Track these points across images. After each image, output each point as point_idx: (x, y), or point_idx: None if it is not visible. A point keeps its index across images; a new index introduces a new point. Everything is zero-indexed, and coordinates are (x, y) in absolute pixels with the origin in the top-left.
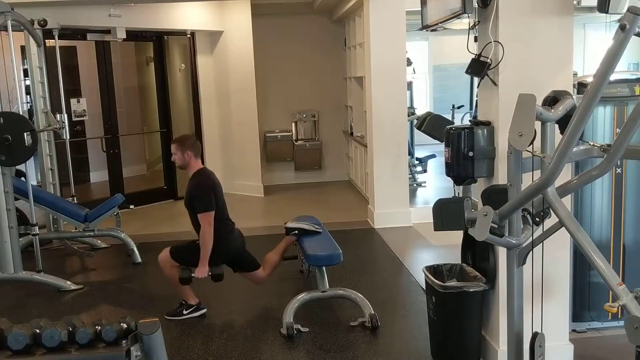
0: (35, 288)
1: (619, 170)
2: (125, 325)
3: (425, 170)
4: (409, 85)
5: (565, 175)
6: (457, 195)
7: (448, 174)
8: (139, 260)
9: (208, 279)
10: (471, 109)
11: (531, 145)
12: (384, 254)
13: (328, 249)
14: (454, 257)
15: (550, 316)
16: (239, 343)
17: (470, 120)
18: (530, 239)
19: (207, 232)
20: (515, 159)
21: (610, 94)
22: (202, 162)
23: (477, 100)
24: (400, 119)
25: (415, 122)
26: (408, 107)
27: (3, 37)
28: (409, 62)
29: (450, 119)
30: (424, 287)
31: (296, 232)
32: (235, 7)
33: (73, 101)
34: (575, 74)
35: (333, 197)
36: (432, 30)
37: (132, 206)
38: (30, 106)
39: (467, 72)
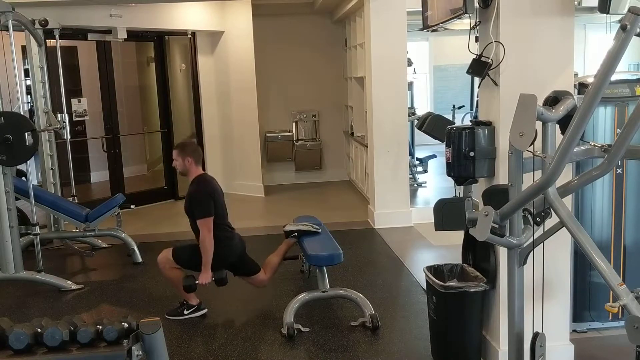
0: (36, 288)
1: (619, 171)
2: (126, 325)
3: (425, 171)
4: (410, 85)
5: (566, 175)
6: (458, 195)
7: (449, 174)
8: (140, 260)
9: (212, 284)
10: (472, 109)
11: (532, 146)
12: (385, 254)
13: (329, 249)
14: (455, 257)
15: (551, 316)
16: (240, 343)
17: (471, 121)
18: (531, 239)
19: (207, 238)
20: (516, 159)
21: (611, 95)
22: (203, 167)
23: (477, 101)
24: (400, 119)
25: (415, 122)
26: (408, 108)
27: (4, 37)
28: (410, 63)
29: (450, 119)
30: (424, 287)
31: (295, 234)
32: (236, 8)
33: (74, 101)
34: (575, 75)
35: (333, 197)
36: (433, 31)
37: (132, 206)
38: (31, 106)
39: (468, 72)
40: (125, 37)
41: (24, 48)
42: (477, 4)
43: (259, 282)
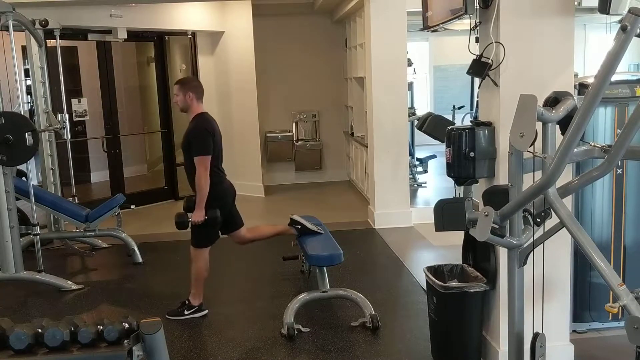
0: (36, 288)
1: (619, 171)
2: (127, 325)
3: (425, 171)
4: (410, 85)
5: (566, 175)
6: (458, 195)
7: (449, 175)
8: (140, 260)
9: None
10: (472, 109)
11: (532, 146)
12: (385, 255)
13: (329, 249)
14: (455, 257)
15: (551, 316)
16: (240, 343)
17: (471, 121)
18: (531, 240)
19: (203, 175)
20: (516, 159)
21: (611, 95)
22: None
23: (477, 101)
24: (400, 120)
25: (415, 122)
26: (409, 108)
27: (4, 37)
28: (410, 63)
29: (450, 119)
30: (424, 287)
31: (298, 226)
32: (236, 8)
33: (74, 101)
34: (575, 75)
35: (333, 198)
36: (433, 31)
37: (132, 206)
38: (32, 106)
39: (468, 72)
40: (126, 37)
41: (24, 48)
42: (478, 5)
43: (240, 237)
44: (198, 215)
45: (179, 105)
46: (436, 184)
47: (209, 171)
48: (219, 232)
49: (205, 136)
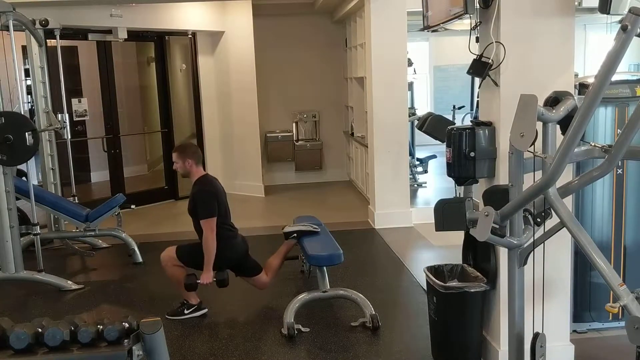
0: (36, 288)
1: (619, 171)
2: (127, 325)
3: (426, 171)
4: (410, 85)
5: (567, 175)
6: (458, 195)
7: (449, 175)
8: (140, 260)
9: (213, 284)
10: (472, 109)
11: (532, 146)
12: (385, 255)
13: (329, 249)
14: (455, 257)
15: (551, 317)
16: (240, 343)
17: (471, 121)
18: (532, 240)
19: (210, 238)
20: (516, 159)
21: (612, 95)
22: (204, 168)
23: (478, 101)
24: (401, 120)
25: (416, 122)
26: (409, 108)
27: (5, 37)
28: (410, 63)
29: (451, 119)
30: (424, 287)
31: (295, 235)
32: (236, 8)
33: (74, 101)
34: (576, 75)
35: (334, 198)
36: (433, 31)
37: (133, 206)
38: (32, 106)
39: (468, 72)
40: (126, 37)
41: (24, 48)
42: (478, 5)
43: (261, 283)
44: (207, 277)
45: (180, 171)
46: (436, 184)
47: (215, 232)
48: (235, 274)
49: (208, 199)
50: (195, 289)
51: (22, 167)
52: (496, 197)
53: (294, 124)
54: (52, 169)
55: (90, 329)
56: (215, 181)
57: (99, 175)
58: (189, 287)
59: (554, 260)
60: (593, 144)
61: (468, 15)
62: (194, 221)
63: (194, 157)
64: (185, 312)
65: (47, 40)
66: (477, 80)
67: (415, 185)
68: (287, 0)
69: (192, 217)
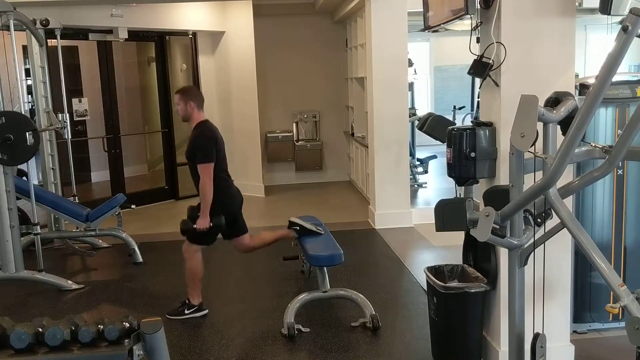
0: (36, 287)
1: (620, 172)
2: (127, 325)
3: (426, 171)
4: (410, 86)
5: (567, 176)
6: (458, 196)
7: (450, 175)
8: (140, 260)
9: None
10: (472, 110)
11: (533, 146)
12: (385, 255)
13: (329, 249)
14: (455, 257)
15: (552, 317)
16: (240, 343)
17: (472, 121)
18: (532, 240)
19: (207, 183)
20: (517, 159)
21: (612, 96)
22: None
23: (478, 101)
24: (401, 120)
25: (416, 122)
26: (409, 108)
27: (5, 37)
28: (410, 63)
29: (451, 120)
30: (425, 287)
31: (297, 227)
32: (237, 8)
33: (75, 101)
34: (576, 76)
35: (334, 198)
36: (434, 31)
37: (133, 206)
38: (32, 106)
39: (469, 72)
40: (126, 37)
41: (25, 48)
42: (479, 5)
43: (243, 245)
44: (203, 222)
45: (181, 114)
46: (437, 185)
47: (212, 178)
48: (223, 237)
49: (207, 144)
50: (190, 233)
51: (23, 166)
52: (497, 197)
53: (294, 124)
54: (53, 168)
55: (90, 328)
56: (214, 128)
57: (100, 175)
58: (185, 232)
59: (554, 261)
60: (593, 145)
61: (469, 16)
62: (190, 167)
63: (196, 99)
64: (186, 312)
65: (48, 40)
66: (477, 80)
67: (416, 186)
68: (288, 0)
69: (189, 161)
